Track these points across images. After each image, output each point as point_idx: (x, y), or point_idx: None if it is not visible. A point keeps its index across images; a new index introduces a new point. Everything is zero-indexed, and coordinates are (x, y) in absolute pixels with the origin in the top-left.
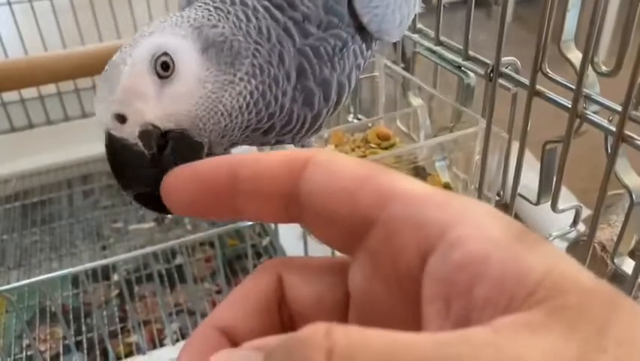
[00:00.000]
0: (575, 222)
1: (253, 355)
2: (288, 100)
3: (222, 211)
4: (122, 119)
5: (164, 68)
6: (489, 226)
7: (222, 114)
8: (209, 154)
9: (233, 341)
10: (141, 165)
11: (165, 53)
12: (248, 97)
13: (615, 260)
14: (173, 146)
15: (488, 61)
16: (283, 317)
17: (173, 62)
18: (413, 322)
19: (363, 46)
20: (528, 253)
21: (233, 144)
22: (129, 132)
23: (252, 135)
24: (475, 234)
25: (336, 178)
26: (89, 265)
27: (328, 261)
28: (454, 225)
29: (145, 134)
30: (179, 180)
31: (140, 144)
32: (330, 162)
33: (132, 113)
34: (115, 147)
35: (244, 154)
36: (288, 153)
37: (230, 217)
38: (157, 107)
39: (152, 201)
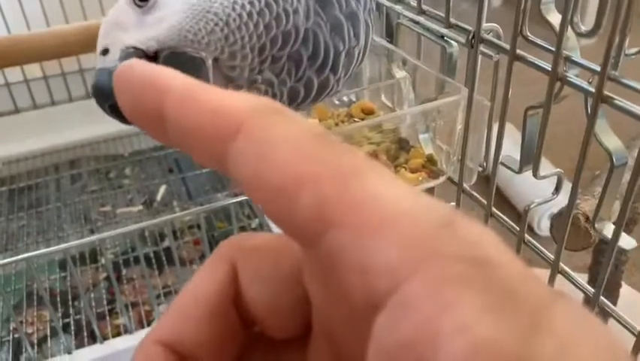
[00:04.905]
0: (557, 189)
1: None
2: (301, 20)
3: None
4: (106, 52)
5: None
6: (450, 282)
7: (216, 23)
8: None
9: (183, 355)
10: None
11: None
12: (248, 6)
13: (596, 225)
14: (164, 63)
15: (470, 27)
16: (242, 313)
17: None
18: None
19: None
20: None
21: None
22: (111, 60)
23: (272, 68)
24: (431, 297)
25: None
26: (75, 243)
27: (286, 242)
28: (409, 277)
29: (125, 56)
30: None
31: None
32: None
33: (112, 43)
34: (97, 76)
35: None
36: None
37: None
38: (137, 32)
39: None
